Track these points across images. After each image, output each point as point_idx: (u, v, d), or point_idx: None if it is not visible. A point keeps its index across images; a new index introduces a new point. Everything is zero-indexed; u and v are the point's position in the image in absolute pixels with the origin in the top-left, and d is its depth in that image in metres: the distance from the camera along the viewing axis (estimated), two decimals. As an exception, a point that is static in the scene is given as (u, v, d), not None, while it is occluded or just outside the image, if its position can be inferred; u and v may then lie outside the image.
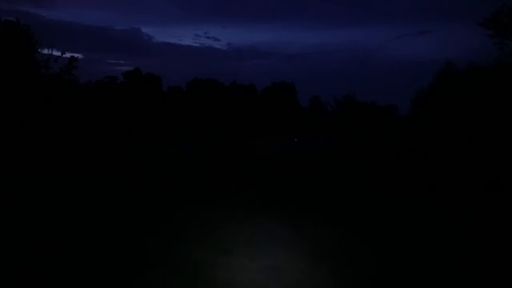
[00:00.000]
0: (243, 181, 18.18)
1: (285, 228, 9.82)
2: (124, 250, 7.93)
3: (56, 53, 28.67)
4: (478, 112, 21.74)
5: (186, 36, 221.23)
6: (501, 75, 21.89)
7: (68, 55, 29.49)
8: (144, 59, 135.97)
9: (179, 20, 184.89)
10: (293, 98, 75.74)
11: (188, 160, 25.06)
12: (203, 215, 11.10)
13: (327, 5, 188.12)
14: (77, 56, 30.04)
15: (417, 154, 23.59)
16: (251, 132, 49.17)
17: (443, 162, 20.65)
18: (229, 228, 9.72)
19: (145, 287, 6.17)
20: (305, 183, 17.82)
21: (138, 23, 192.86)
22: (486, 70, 23.58)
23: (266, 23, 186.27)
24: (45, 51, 28.07)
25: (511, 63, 22.12)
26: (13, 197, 12.79)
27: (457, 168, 19.26)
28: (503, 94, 21.06)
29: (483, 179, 17.05)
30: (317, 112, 71.38)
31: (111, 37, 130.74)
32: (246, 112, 58.03)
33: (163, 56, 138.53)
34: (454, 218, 12.50)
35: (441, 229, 10.86)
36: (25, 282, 6.30)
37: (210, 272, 6.71)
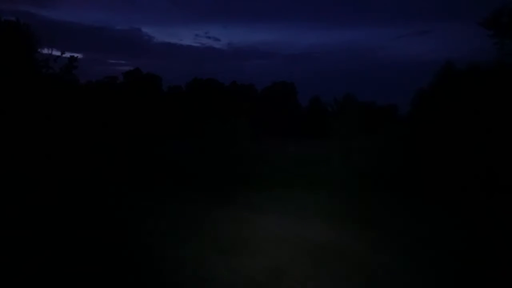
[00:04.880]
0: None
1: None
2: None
3: (56, 53, 28.64)
4: (478, 112, 21.69)
5: (186, 36, 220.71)
6: (501, 75, 21.84)
7: (68, 55, 29.47)
8: (144, 59, 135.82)
9: (179, 20, 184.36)
10: (293, 98, 75.62)
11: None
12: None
13: (327, 5, 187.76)
14: (77, 56, 30.02)
15: (417, 154, 23.56)
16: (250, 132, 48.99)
17: (443, 161, 20.63)
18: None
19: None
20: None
21: (138, 23, 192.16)
22: (486, 70, 23.53)
23: (266, 23, 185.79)
24: (45, 51, 28.02)
25: (511, 63, 22.06)
26: (13, 195, 12.77)
27: (457, 167, 19.24)
28: (503, 94, 21.01)
29: (483, 178, 17.04)
30: (317, 112, 71.21)
31: (111, 37, 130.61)
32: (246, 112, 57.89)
33: (163, 56, 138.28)
34: (452, 217, 12.49)
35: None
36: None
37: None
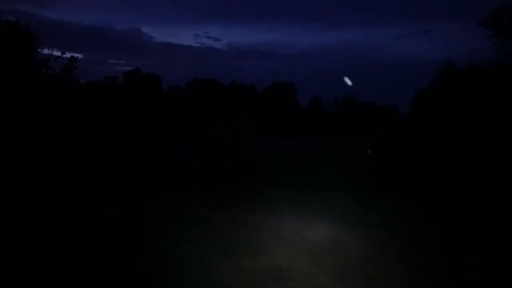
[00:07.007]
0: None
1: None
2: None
3: (56, 53, 28.71)
4: (478, 112, 21.71)
5: (186, 36, 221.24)
6: (501, 75, 21.86)
7: (68, 55, 29.54)
8: (144, 59, 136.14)
9: (179, 20, 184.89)
10: (293, 98, 75.74)
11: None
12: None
13: (327, 5, 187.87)
14: (77, 56, 30.09)
15: (417, 154, 23.54)
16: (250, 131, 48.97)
17: (443, 162, 20.62)
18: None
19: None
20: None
21: (138, 23, 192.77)
22: (486, 70, 23.55)
23: (266, 23, 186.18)
24: (45, 51, 28.08)
25: (511, 63, 22.08)
26: (13, 196, 12.79)
27: (457, 167, 19.24)
28: (503, 94, 21.03)
29: (484, 179, 17.04)
30: (317, 112, 71.33)
31: (111, 37, 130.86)
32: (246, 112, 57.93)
33: (163, 56, 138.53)
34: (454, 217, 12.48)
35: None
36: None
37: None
